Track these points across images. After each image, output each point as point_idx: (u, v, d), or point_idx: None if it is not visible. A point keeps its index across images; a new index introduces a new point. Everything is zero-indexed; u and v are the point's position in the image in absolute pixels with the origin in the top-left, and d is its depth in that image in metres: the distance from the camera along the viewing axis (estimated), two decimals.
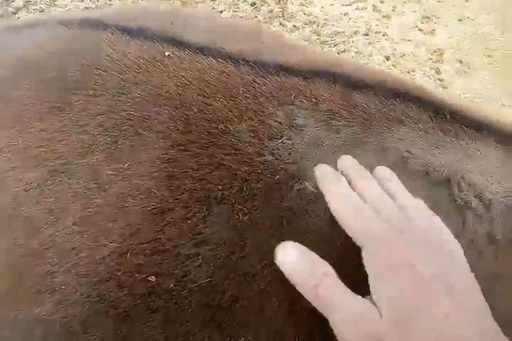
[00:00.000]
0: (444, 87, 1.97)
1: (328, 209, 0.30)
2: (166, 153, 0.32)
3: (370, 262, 0.27)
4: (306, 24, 2.29)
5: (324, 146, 0.34)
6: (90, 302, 0.27)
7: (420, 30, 2.26)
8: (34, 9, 2.11)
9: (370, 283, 0.27)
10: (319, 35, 2.23)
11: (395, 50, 2.16)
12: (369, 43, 2.21)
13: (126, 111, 0.33)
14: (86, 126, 0.33)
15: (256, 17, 2.29)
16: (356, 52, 2.16)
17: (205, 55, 0.38)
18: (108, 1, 2.22)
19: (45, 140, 0.33)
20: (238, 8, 2.33)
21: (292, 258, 0.28)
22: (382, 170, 0.34)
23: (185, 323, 0.28)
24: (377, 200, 0.31)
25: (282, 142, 0.33)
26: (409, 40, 2.21)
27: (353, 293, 0.27)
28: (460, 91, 1.91)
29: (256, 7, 2.33)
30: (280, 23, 2.27)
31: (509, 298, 0.31)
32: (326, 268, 0.28)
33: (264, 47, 0.41)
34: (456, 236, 0.31)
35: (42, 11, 2.11)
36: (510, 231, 0.33)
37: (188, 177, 0.31)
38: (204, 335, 0.28)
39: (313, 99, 0.36)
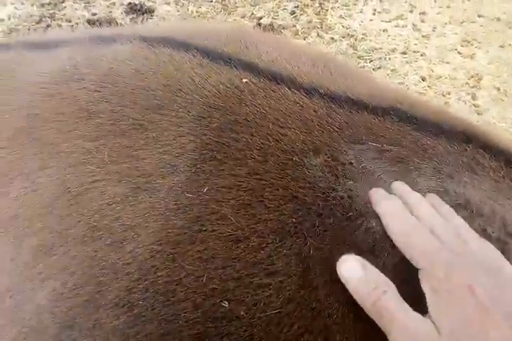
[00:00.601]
0: (479, 114, 1.95)
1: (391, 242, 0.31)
2: (243, 181, 0.33)
3: (427, 283, 0.28)
4: (343, 37, 2.30)
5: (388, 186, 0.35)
6: (165, 321, 0.29)
7: (460, 53, 2.24)
8: (80, 0, 2.18)
9: (428, 304, 0.28)
10: (356, 50, 2.23)
11: (432, 71, 2.15)
12: (406, 62, 2.20)
13: (206, 135, 0.35)
14: (168, 146, 0.35)
15: (294, 26, 2.31)
16: (392, 70, 2.15)
17: (279, 83, 0.39)
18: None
19: (129, 156, 0.34)
20: (278, 15, 2.35)
21: (355, 271, 0.29)
22: (435, 198, 0.34)
23: None
24: (433, 222, 0.32)
25: (354, 181, 0.34)
26: (448, 63, 2.20)
27: (413, 310, 0.28)
28: (495, 119, 1.88)
29: (295, 16, 2.35)
30: (318, 34, 2.29)
31: None
32: (386, 283, 0.29)
33: (334, 78, 0.42)
34: None
35: (88, 2, 2.16)
36: None
37: (263, 206, 0.32)
38: None
39: (384, 141, 0.37)
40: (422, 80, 2.07)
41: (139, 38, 0.43)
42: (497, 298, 0.27)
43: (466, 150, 0.37)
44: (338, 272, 0.30)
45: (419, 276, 0.29)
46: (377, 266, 0.31)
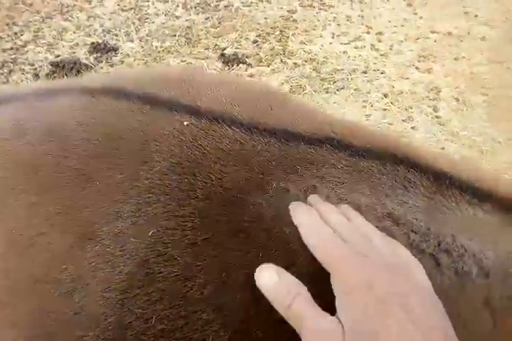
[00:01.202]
0: (441, 124, 2.02)
1: None
2: (188, 221, 0.34)
3: (336, 285, 0.31)
4: (306, 61, 2.39)
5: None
6: None
7: (417, 68, 2.35)
8: (42, 43, 2.21)
9: (337, 305, 0.30)
10: (319, 72, 2.31)
11: (393, 87, 2.23)
12: (367, 81, 2.29)
13: (148, 179, 0.36)
14: (111, 193, 0.36)
15: (258, 54, 2.39)
16: (355, 90, 2.23)
17: (219, 123, 0.41)
18: (114, 37, 2.32)
19: (73, 207, 0.35)
20: (241, 45, 2.43)
21: (270, 279, 0.31)
22: (348, 208, 0.37)
23: None
24: (344, 230, 0.34)
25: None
26: (407, 78, 2.29)
27: (322, 311, 0.30)
28: (457, 128, 1.96)
29: (258, 44, 2.43)
30: (281, 60, 2.37)
31: None
32: (299, 288, 0.31)
33: (274, 114, 0.45)
34: (455, 301, 0.33)
35: (50, 45, 2.20)
36: (507, 298, 0.35)
37: (209, 244, 0.33)
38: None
39: (321, 168, 0.39)
40: (385, 97, 2.15)
41: (79, 89, 0.45)
42: (394, 291, 0.29)
43: (398, 170, 0.39)
44: (256, 281, 0.32)
45: (331, 280, 0.31)
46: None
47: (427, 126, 1.98)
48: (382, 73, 2.28)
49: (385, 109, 2.09)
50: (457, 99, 2.13)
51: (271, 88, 0.61)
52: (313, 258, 0.33)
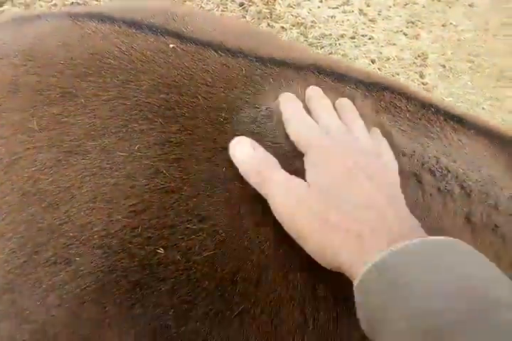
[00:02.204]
0: (427, 91, 2.02)
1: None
2: (174, 137, 0.34)
3: (307, 162, 0.32)
4: (293, 26, 2.33)
5: None
6: (103, 273, 0.30)
7: (405, 34, 2.32)
8: (19, 3, 2.10)
9: (306, 174, 0.32)
10: (307, 37, 2.26)
11: (380, 53, 2.21)
12: (355, 46, 2.25)
13: (135, 97, 0.36)
14: (97, 110, 0.35)
15: (244, 17, 2.32)
16: (343, 55, 2.20)
17: (205, 47, 0.40)
18: None
19: (59, 123, 0.35)
20: (226, 7, 2.35)
21: (245, 150, 0.33)
22: (344, 101, 0.38)
23: (190, 292, 0.30)
24: (327, 121, 0.36)
25: (279, 129, 0.36)
26: (394, 44, 2.27)
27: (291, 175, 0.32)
28: (443, 95, 1.96)
29: (244, 7, 2.35)
30: (268, 24, 2.30)
31: None
32: (270, 158, 0.33)
33: (259, 44, 0.44)
34: (439, 216, 0.34)
35: (27, 5, 2.10)
36: (486, 216, 0.36)
37: (194, 159, 0.33)
38: (208, 304, 0.31)
39: (305, 90, 0.39)
40: (372, 63, 2.13)
41: (64, 14, 0.43)
42: (363, 166, 0.31)
43: (384, 95, 0.40)
44: (231, 153, 0.33)
45: (304, 161, 0.33)
46: None
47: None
48: (370, 39, 2.25)
49: None
50: (443, 66, 2.13)
51: (260, 28, 0.60)
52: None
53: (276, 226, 0.32)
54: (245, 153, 0.33)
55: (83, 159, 0.33)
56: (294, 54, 0.44)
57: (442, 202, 0.36)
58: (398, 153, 0.37)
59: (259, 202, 0.33)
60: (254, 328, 0.31)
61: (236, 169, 0.33)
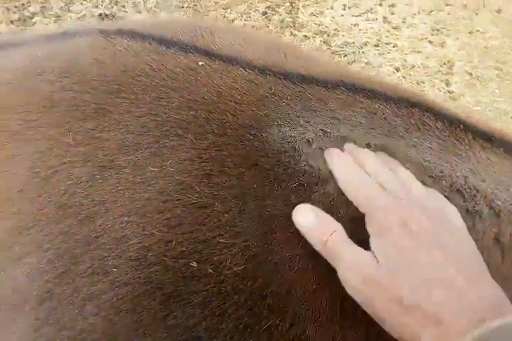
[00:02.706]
0: (453, 99, 1.99)
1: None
2: (204, 153, 0.35)
3: (371, 224, 0.31)
4: (316, 34, 2.34)
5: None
6: (139, 284, 0.31)
7: (430, 42, 2.29)
8: (50, 14, 2.18)
9: (371, 243, 0.31)
10: (330, 46, 2.27)
11: (405, 61, 2.19)
12: (379, 54, 2.24)
13: (166, 113, 0.37)
14: (130, 126, 0.37)
15: (267, 26, 2.34)
16: (366, 63, 2.19)
17: (233, 65, 0.41)
18: (122, 8, 2.29)
19: (93, 138, 0.36)
20: (250, 17, 2.38)
21: (308, 218, 0.32)
22: (384, 154, 0.37)
23: (221, 305, 0.31)
24: (380, 174, 0.35)
25: (313, 149, 0.36)
26: (419, 52, 2.25)
27: (357, 246, 0.31)
28: (470, 103, 1.93)
29: (267, 16, 2.38)
30: (291, 33, 2.32)
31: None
32: (335, 225, 0.32)
33: (286, 59, 0.45)
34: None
35: (58, 17, 2.17)
36: None
37: (225, 175, 0.34)
38: (238, 317, 0.31)
39: (335, 108, 0.39)
40: (396, 71, 2.11)
41: (97, 31, 0.45)
42: (429, 231, 0.30)
43: (413, 113, 0.40)
44: (294, 220, 0.33)
45: (366, 221, 0.32)
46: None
47: (438, 101, 1.96)
48: (394, 46, 2.24)
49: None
50: (470, 74, 2.09)
51: (283, 39, 0.61)
52: (348, 201, 0.33)
53: (306, 242, 0.32)
54: (308, 220, 0.32)
55: (117, 173, 0.34)
56: (320, 68, 0.44)
57: (471, 223, 0.36)
58: (427, 174, 0.37)
59: (289, 219, 0.33)
60: None
61: (266, 186, 0.34)
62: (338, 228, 0.32)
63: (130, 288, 0.31)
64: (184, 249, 0.31)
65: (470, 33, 2.31)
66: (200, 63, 0.41)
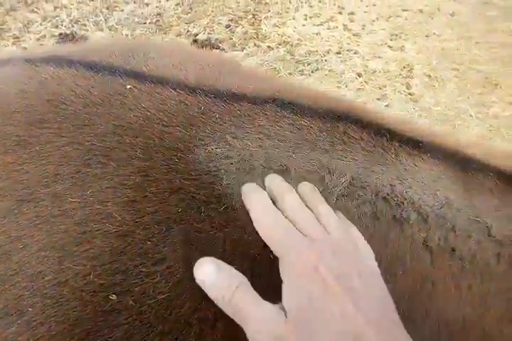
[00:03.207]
0: (414, 101, 2.04)
1: None
2: (127, 180, 0.34)
3: (283, 270, 0.30)
4: (280, 44, 2.37)
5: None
6: (56, 322, 0.30)
7: (390, 46, 2.35)
8: (8, 36, 2.15)
9: (282, 291, 0.30)
10: (293, 55, 2.30)
11: (367, 67, 2.24)
12: (341, 61, 2.29)
13: (89, 141, 0.36)
14: (51, 156, 0.36)
15: (231, 39, 2.36)
16: (329, 70, 2.23)
17: (163, 86, 0.41)
18: (83, 27, 2.27)
19: (13, 171, 0.35)
20: (213, 30, 2.40)
21: (209, 274, 0.30)
22: (306, 186, 0.36)
23: (144, 337, 0.30)
24: (295, 212, 0.34)
25: (237, 167, 0.36)
26: (380, 57, 2.30)
27: (263, 300, 0.29)
28: (430, 104, 1.98)
29: (231, 29, 2.40)
30: (255, 44, 2.35)
31: (441, 299, 0.34)
32: (239, 279, 0.30)
33: (221, 77, 0.45)
34: (395, 243, 0.34)
35: (17, 38, 2.14)
36: (443, 240, 0.36)
37: (148, 201, 0.34)
38: None
39: (264, 125, 0.39)
40: (359, 76, 2.16)
41: (22, 59, 0.44)
42: (339, 275, 0.29)
43: (338, 127, 0.40)
44: (195, 276, 0.31)
45: (279, 266, 0.31)
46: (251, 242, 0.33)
47: (400, 104, 2.00)
48: (355, 53, 2.29)
49: (359, 89, 2.10)
50: (429, 76, 2.15)
51: (224, 56, 0.61)
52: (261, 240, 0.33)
53: (236, 263, 0.32)
54: (209, 275, 0.30)
55: (35, 207, 0.33)
56: (255, 85, 0.45)
57: (399, 229, 0.36)
58: (353, 185, 0.37)
59: (214, 241, 0.33)
60: None
61: (191, 209, 0.34)
62: (243, 281, 0.30)
63: (46, 328, 0.29)
64: (103, 281, 0.31)
65: (427, 36, 2.38)
66: (128, 86, 0.40)
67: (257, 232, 0.33)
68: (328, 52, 2.32)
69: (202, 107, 0.40)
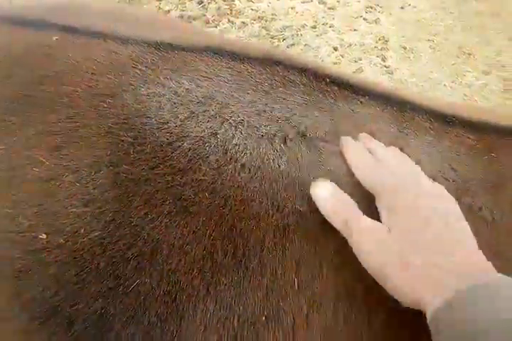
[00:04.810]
0: (390, 73, 2.04)
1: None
2: (53, 126, 0.34)
3: (381, 204, 0.34)
4: (254, 20, 2.33)
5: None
6: None
7: (365, 19, 2.33)
8: None
9: (382, 219, 0.34)
10: (268, 30, 2.27)
11: (343, 40, 2.22)
12: (317, 35, 2.26)
13: (14, 91, 0.36)
14: None
15: (204, 15, 2.31)
16: (305, 45, 2.21)
17: (93, 37, 0.40)
18: None
19: None
20: (185, 7, 2.34)
21: (326, 193, 0.35)
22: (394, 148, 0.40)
23: (79, 273, 0.31)
24: (389, 164, 0.37)
25: (170, 106, 0.36)
26: (356, 30, 2.28)
27: (370, 218, 0.34)
28: (405, 76, 1.98)
29: (203, 5, 2.35)
30: (229, 20, 2.30)
31: None
32: (350, 201, 0.35)
33: (154, 30, 0.44)
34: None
35: None
36: None
37: (76, 146, 0.34)
38: (98, 281, 0.31)
39: (202, 69, 0.39)
40: (335, 50, 2.14)
41: None
42: (437, 211, 0.33)
43: (278, 70, 0.40)
44: (313, 195, 0.35)
45: (376, 202, 0.35)
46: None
47: (376, 76, 2.00)
48: (330, 27, 2.26)
49: (335, 63, 2.09)
50: (404, 48, 2.15)
51: (161, 15, 0.60)
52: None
53: (169, 199, 0.32)
54: (326, 195, 0.35)
55: None
56: (193, 38, 0.44)
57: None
58: (293, 128, 0.38)
59: (147, 181, 0.33)
60: (152, 299, 0.32)
61: (120, 152, 0.34)
62: (354, 204, 0.35)
63: None
64: (32, 222, 0.31)
65: (402, 8, 2.37)
66: (54, 38, 0.40)
67: (191, 170, 0.34)
68: (304, 27, 2.28)
69: (133, 55, 0.39)
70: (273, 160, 0.35)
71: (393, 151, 0.39)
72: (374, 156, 0.38)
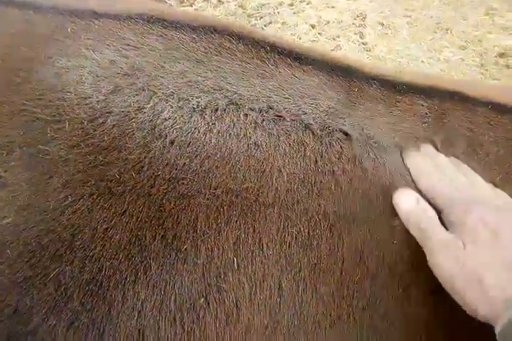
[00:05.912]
0: (368, 50, 2.01)
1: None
2: None
3: (451, 219, 0.35)
4: None
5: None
6: None
7: None
8: None
9: (453, 231, 0.34)
10: (245, 9, 2.20)
11: (320, 17, 2.17)
12: (294, 13, 2.20)
13: None
14: None
15: None
16: (282, 23, 2.15)
17: (7, 6, 0.37)
18: None
19: None
20: None
21: (410, 203, 0.36)
22: (455, 159, 0.41)
23: None
24: (454, 177, 0.38)
25: (88, 84, 0.33)
26: (333, 7, 2.24)
27: (446, 230, 0.35)
28: (383, 53, 1.95)
29: None
30: None
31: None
32: (431, 213, 0.36)
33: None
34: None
35: None
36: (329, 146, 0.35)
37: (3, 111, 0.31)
38: (13, 272, 0.29)
39: (129, 38, 0.36)
40: (312, 28, 2.09)
41: None
42: (504, 229, 0.33)
43: (212, 38, 0.37)
44: (396, 202, 0.37)
45: (442, 215, 0.36)
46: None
47: (354, 54, 1.97)
48: (308, 4, 2.21)
49: (313, 41, 2.05)
50: (382, 24, 2.11)
51: None
52: None
53: (91, 181, 0.30)
54: (409, 205, 0.36)
55: None
56: (122, 6, 0.41)
57: (278, 139, 0.35)
58: (227, 97, 0.35)
59: (66, 161, 0.31)
60: (75, 288, 0.30)
61: (35, 130, 0.31)
62: (433, 215, 0.36)
63: None
64: None
65: None
66: None
67: (115, 149, 0.31)
68: (281, 4, 2.22)
69: (51, 25, 0.36)
70: (204, 134, 0.33)
71: (458, 164, 0.40)
72: (439, 168, 0.38)
